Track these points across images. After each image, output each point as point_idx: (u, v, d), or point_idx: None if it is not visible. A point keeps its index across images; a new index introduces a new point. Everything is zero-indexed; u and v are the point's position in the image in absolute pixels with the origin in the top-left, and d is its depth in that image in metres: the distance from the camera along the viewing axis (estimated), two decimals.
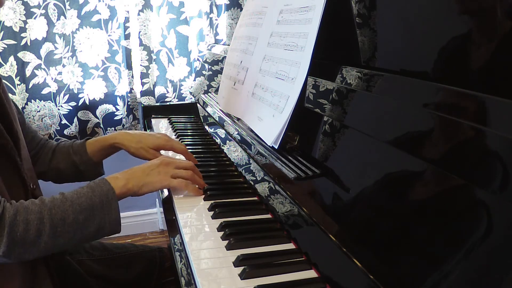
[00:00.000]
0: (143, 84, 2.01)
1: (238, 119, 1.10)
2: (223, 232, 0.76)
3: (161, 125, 1.59)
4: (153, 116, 1.70)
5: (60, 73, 1.88)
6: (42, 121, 1.89)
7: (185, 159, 1.06)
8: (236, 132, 1.10)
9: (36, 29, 1.79)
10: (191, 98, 1.96)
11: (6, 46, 1.76)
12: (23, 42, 1.79)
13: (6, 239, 0.70)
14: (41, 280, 0.85)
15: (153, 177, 0.88)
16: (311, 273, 0.65)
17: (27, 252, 0.74)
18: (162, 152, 1.09)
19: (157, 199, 2.23)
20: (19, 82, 1.82)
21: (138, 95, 2.03)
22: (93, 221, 0.78)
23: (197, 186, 0.93)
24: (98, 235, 0.80)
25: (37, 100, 1.87)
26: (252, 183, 0.95)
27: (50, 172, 1.08)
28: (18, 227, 0.71)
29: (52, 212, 0.75)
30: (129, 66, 1.97)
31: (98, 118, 1.99)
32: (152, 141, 1.06)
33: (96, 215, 0.78)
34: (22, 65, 1.81)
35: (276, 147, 0.86)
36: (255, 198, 0.91)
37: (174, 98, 2.08)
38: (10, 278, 0.79)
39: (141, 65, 1.98)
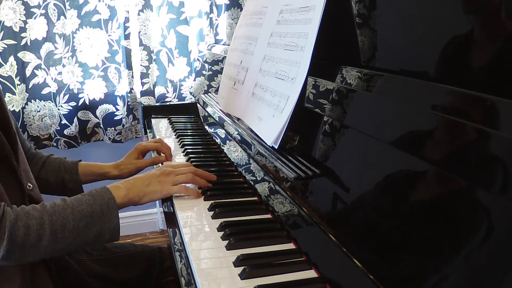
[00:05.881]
0: (143, 84, 2.01)
1: (238, 119, 1.10)
2: (223, 232, 0.76)
3: (161, 125, 1.59)
4: (153, 116, 1.70)
5: (60, 73, 1.88)
6: (42, 121, 1.89)
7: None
8: (236, 132, 1.10)
9: (36, 29, 1.79)
10: (191, 98, 1.96)
11: (6, 46, 1.76)
12: (23, 42, 1.79)
13: (6, 242, 0.72)
14: (40, 281, 0.85)
15: (153, 187, 0.90)
16: (311, 273, 0.65)
17: (27, 256, 0.75)
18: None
19: None
20: (19, 82, 1.82)
21: (138, 95, 2.03)
22: (93, 229, 0.79)
23: (197, 188, 0.94)
24: (97, 242, 0.82)
25: (37, 100, 1.87)
26: (252, 183, 0.95)
27: (37, 181, 1.09)
28: (19, 232, 0.72)
29: (53, 218, 0.76)
30: (129, 66, 1.97)
31: (98, 118, 1.99)
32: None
33: (96, 223, 0.80)
34: (22, 65, 1.81)
35: (276, 147, 0.86)
36: (255, 198, 0.91)
37: (174, 98, 2.08)
38: (9, 279, 0.79)
39: (141, 65, 1.98)
